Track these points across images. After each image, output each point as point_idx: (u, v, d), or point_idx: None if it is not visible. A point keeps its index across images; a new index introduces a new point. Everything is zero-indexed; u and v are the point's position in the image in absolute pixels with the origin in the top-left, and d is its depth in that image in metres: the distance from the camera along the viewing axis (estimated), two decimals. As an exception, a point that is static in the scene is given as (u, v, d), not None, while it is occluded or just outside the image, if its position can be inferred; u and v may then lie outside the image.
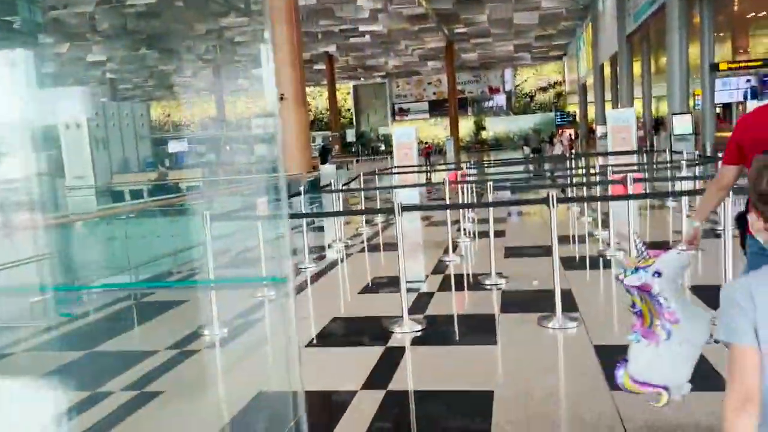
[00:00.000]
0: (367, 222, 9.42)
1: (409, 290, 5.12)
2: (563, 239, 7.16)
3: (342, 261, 6.96)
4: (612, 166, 7.28)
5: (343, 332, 4.37)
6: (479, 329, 4.07)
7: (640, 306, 1.81)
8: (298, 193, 6.54)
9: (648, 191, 8.44)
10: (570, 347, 3.63)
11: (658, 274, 1.61)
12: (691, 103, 22.95)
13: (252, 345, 4.22)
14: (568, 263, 5.72)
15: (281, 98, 14.51)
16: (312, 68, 47.10)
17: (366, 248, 7.73)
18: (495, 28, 36.54)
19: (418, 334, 4.03)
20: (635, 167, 8.85)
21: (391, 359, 3.58)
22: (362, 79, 55.50)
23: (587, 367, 3.24)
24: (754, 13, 25.82)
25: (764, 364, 1.14)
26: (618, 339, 3.67)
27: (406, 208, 4.28)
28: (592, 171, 7.71)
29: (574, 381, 3.17)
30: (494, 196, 5.60)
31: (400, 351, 3.72)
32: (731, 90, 23.85)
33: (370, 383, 3.24)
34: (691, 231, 2.41)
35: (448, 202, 6.92)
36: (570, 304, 4.31)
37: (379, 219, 10.26)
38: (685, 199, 6.83)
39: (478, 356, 3.55)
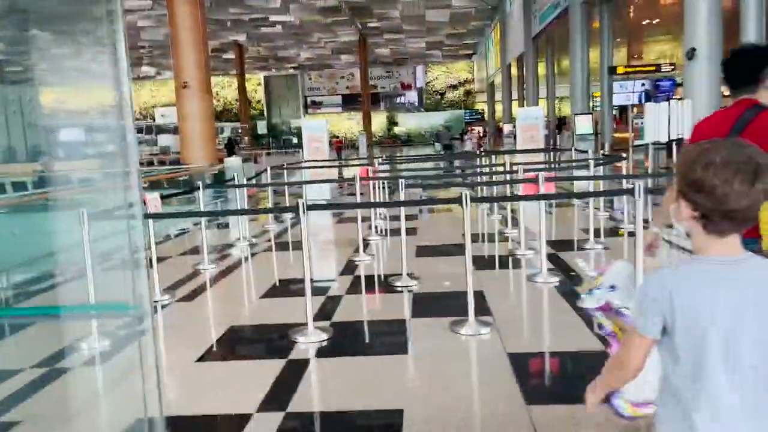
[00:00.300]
0: (275, 218, 8.99)
1: (316, 293, 4.80)
2: (474, 238, 7.07)
3: (245, 261, 6.52)
4: (522, 164, 7.28)
5: (240, 343, 3.98)
6: (389, 336, 3.83)
7: (610, 327, 1.72)
8: (197, 188, 6.03)
9: (558, 190, 8.57)
10: (484, 356, 3.45)
11: (613, 287, 1.49)
12: (590, 104, 24.02)
13: (108, 373, 3.72)
14: (480, 263, 5.60)
15: (184, 85, 13.71)
16: (221, 57, 45.49)
17: (273, 247, 7.32)
18: (407, 25, 36.74)
19: (324, 343, 3.72)
20: (545, 166, 8.97)
21: (293, 374, 3.25)
22: (274, 70, 54.29)
23: (502, 379, 3.06)
24: (648, 20, 27.36)
25: (673, 355, 1.22)
26: (531, 345, 3.53)
27: (311, 207, 3.95)
28: (502, 169, 7.70)
29: (488, 396, 2.97)
30: (406, 194, 5.36)
31: (303, 364, 3.39)
32: (627, 93, 25.14)
33: (267, 404, 2.90)
34: (649, 237, 2.34)
35: (358, 199, 6.64)
36: (483, 308, 4.15)
37: (288, 215, 9.86)
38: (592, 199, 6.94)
39: (388, 369, 3.29)
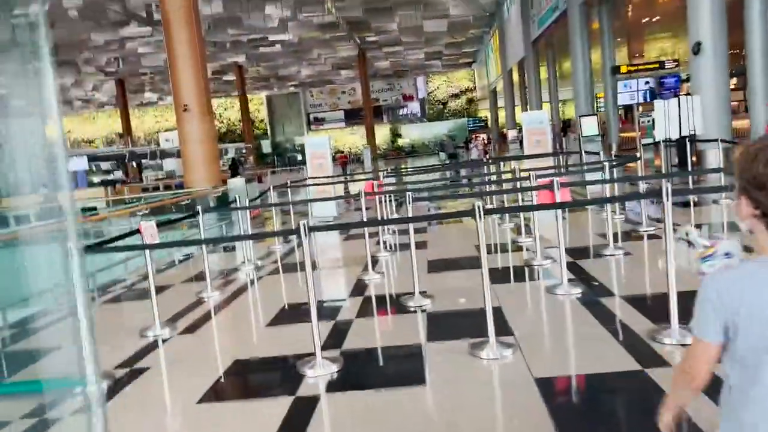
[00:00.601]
0: (282, 238, 8.74)
1: (325, 318, 4.55)
2: (486, 248, 6.81)
3: (251, 286, 6.27)
4: (532, 170, 7.02)
5: (245, 380, 3.72)
6: (405, 364, 3.55)
7: None
8: (196, 213, 5.79)
9: (574, 195, 8.25)
10: (508, 382, 3.17)
11: (728, 254, 1.30)
12: (594, 105, 23.76)
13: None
14: (495, 276, 5.32)
15: (184, 109, 13.53)
16: (222, 79, 45.62)
17: (280, 269, 7.07)
18: (405, 36, 36.68)
19: (335, 375, 3.45)
20: (557, 171, 8.66)
21: (302, 414, 2.98)
22: (275, 89, 54.41)
23: (531, 409, 2.78)
24: (648, 18, 27.14)
25: (731, 358, 1.18)
26: (559, 368, 3.25)
27: (314, 229, 3.70)
28: (512, 176, 7.44)
29: (517, 429, 2.69)
30: (414, 208, 5.09)
31: (312, 402, 3.12)
32: (632, 92, 24.85)
33: (275, 451, 2.64)
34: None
35: (364, 215, 6.39)
36: (502, 326, 3.87)
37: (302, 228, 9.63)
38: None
39: (405, 403, 3.01)
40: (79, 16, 25.81)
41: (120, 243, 4.65)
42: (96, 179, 33.24)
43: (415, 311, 4.56)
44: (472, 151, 26.80)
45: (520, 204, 8.17)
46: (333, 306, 5.01)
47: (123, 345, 4.43)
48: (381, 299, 5.14)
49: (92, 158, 33.73)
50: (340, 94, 54.83)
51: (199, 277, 6.59)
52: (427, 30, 34.33)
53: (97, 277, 6.99)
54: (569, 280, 4.72)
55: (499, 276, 5.40)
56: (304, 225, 3.52)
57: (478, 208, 3.48)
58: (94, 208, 12.45)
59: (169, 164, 32.80)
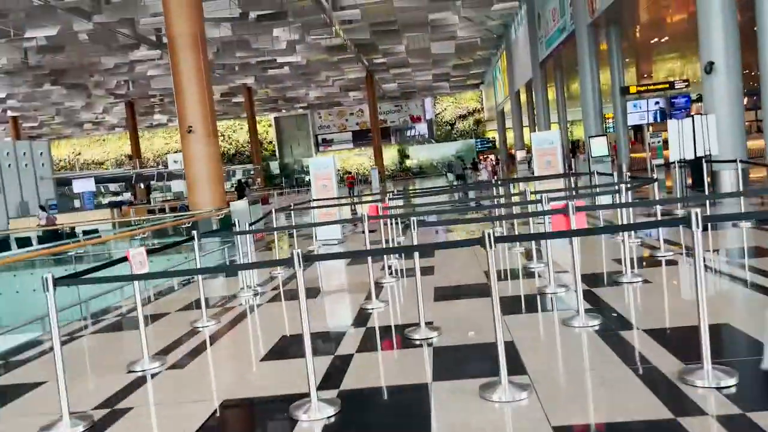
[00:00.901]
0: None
1: (323, 353, 4.25)
2: (496, 275, 6.50)
3: (249, 314, 5.97)
4: (544, 192, 6.72)
5: (232, 425, 3.42)
6: (409, 408, 3.23)
7: None
8: (192, 238, 5.53)
9: (589, 220, 7.94)
10: (523, 431, 2.85)
11: None
12: (603, 126, 23.55)
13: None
14: (505, 305, 5.00)
15: (189, 130, 13.40)
16: (231, 101, 45.86)
17: (281, 296, 6.78)
18: (413, 58, 36.73)
19: (331, 420, 3.14)
20: (571, 193, 8.34)
21: (293, 466, 2.67)
22: (284, 110, 54.67)
23: (549, 463, 2.46)
24: (656, 39, 27.01)
25: None
26: (579, 414, 2.92)
27: (308, 258, 3.42)
28: (523, 199, 7.15)
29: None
30: (420, 232, 4.80)
31: (305, 451, 2.82)
32: (641, 112, 24.62)
33: None
34: None
35: (367, 240, 6.10)
36: (515, 364, 3.55)
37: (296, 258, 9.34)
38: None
39: (407, 453, 2.70)
40: (89, 39, 25.98)
41: (103, 272, 4.37)
42: (105, 201, 33.28)
43: (421, 345, 4.25)
44: (482, 172, 26.57)
45: (532, 230, 7.86)
46: (333, 338, 4.70)
47: (108, 381, 4.14)
48: (385, 331, 4.83)
49: (100, 180, 33.76)
50: (348, 116, 54.99)
51: (197, 304, 6.29)
52: (435, 52, 34.36)
53: (90, 304, 6.73)
54: (586, 310, 4.40)
55: (510, 305, 5.08)
56: (297, 254, 3.24)
57: (488, 236, 3.19)
58: (96, 231, 12.26)
59: (177, 186, 32.81)
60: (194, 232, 5.48)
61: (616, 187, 6.37)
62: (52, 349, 3.41)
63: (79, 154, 59.31)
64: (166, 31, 14.21)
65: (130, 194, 36.73)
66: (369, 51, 33.97)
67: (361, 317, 5.25)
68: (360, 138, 53.66)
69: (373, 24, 27.97)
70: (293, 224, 9.22)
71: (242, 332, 5.38)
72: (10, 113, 41.88)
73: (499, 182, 10.57)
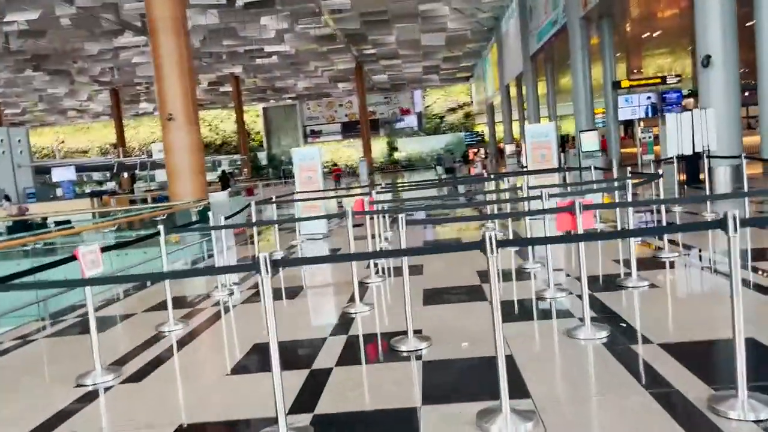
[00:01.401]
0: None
1: (298, 365, 3.78)
2: (487, 275, 6.05)
3: (221, 318, 5.48)
4: (541, 187, 6.29)
5: (189, 454, 2.95)
6: (393, 437, 2.78)
7: None
8: (157, 233, 5.03)
9: (600, 221, 7.48)
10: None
11: None
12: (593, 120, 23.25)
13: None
14: (502, 311, 4.55)
15: (169, 118, 12.82)
16: (218, 90, 45.05)
17: (262, 294, 6.28)
18: (403, 50, 36.19)
19: (302, 452, 2.68)
20: (574, 189, 7.85)
21: None
22: (272, 101, 53.92)
23: None
24: (648, 34, 26.72)
25: None
26: (596, 450, 2.48)
27: (279, 263, 2.95)
28: (520, 194, 6.70)
29: None
30: (409, 231, 4.32)
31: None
32: (633, 107, 24.33)
33: None
34: None
35: (351, 239, 5.61)
36: (516, 384, 3.11)
37: (279, 253, 8.84)
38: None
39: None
40: (72, 25, 25.18)
41: (49, 273, 3.87)
42: (88, 190, 32.47)
43: (409, 357, 3.80)
44: (477, 166, 26.24)
45: (531, 230, 7.40)
46: (310, 348, 4.23)
47: (51, 397, 3.65)
48: (368, 339, 4.37)
49: (81, 168, 32.94)
50: (337, 107, 54.39)
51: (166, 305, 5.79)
52: (425, 43, 33.85)
53: (49, 303, 6.21)
54: (591, 319, 3.96)
55: (506, 312, 4.63)
56: (264, 258, 2.76)
57: (490, 239, 2.73)
58: (68, 221, 11.67)
59: (161, 176, 32.06)
60: (160, 227, 4.97)
61: (621, 183, 5.92)
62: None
63: (63, 142, 58.22)
64: (147, 14, 13.62)
65: (114, 184, 35.94)
66: (358, 41, 33.40)
67: (343, 323, 4.79)
68: (349, 130, 53.09)
69: (363, 14, 27.42)
70: (274, 218, 8.72)
71: (211, 338, 4.89)
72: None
73: (492, 176, 10.13)
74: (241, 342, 4.57)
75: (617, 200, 7.44)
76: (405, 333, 4.08)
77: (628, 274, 5.26)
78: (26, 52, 29.62)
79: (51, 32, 26.17)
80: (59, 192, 25.39)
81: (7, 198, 17.97)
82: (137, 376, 3.91)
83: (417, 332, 4.14)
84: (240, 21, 26.70)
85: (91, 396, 3.64)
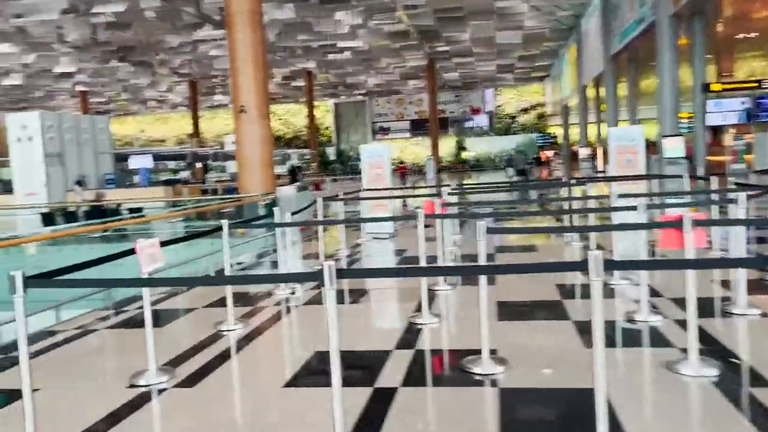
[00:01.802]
0: (328, 256, 7.72)
1: (360, 382, 3.45)
2: (567, 290, 5.56)
3: (282, 319, 5.24)
4: (632, 196, 5.71)
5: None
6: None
7: None
8: (220, 228, 4.84)
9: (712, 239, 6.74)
10: None
11: None
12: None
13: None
14: (585, 334, 4.09)
15: (241, 110, 12.84)
16: (290, 85, 45.65)
17: (323, 303, 6.03)
18: (477, 47, 35.45)
19: (363, 492, 2.34)
20: (684, 201, 7.11)
21: None
22: (343, 96, 54.22)
23: None
24: (743, 35, 24.98)
25: None
26: None
27: (343, 274, 2.62)
28: (608, 203, 6.09)
29: None
30: (478, 237, 3.90)
31: None
32: (724, 112, 22.80)
33: None
34: None
35: (422, 242, 5.22)
36: (612, 424, 2.66)
37: (344, 249, 8.58)
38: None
39: None
40: (156, 17, 25.98)
41: (102, 267, 3.70)
42: (163, 178, 33.57)
43: (483, 382, 3.40)
44: (559, 168, 25.31)
45: (619, 244, 6.81)
46: (373, 362, 3.89)
47: (104, 395, 3.48)
48: (437, 357, 4.00)
49: (158, 157, 34.06)
50: (406, 105, 54.12)
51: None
52: (500, 41, 32.99)
53: (115, 291, 6.16)
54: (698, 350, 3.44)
55: (589, 335, 4.16)
56: (329, 268, 2.44)
57: (596, 259, 2.30)
58: (140, 209, 11.87)
59: (232, 167, 32.75)
60: (224, 223, 4.77)
61: (733, 196, 5.27)
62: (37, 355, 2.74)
63: (143, 131, 60.61)
64: (225, 7, 13.71)
65: (188, 173, 36.98)
66: (432, 38, 32.92)
67: (410, 335, 4.43)
68: (417, 127, 52.71)
69: (438, 10, 26.93)
70: (340, 216, 8.45)
71: (270, 342, 4.64)
72: (80, 87, 42.89)
73: (574, 181, 9.48)
74: (299, 349, 4.30)
75: (714, 214, 6.73)
76: (479, 353, 3.68)
77: (731, 299, 4.65)
78: (112, 43, 30.83)
79: (136, 24, 27.09)
80: (136, 179, 26.28)
81: (80, 183, 18.66)
82: (190, 380, 3.69)
83: (492, 353, 3.73)
84: (316, 16, 26.79)
85: (143, 398, 3.45)
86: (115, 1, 23.40)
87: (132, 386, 3.63)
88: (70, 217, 12.32)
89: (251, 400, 3.43)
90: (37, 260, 9.04)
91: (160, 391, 3.55)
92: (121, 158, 28.53)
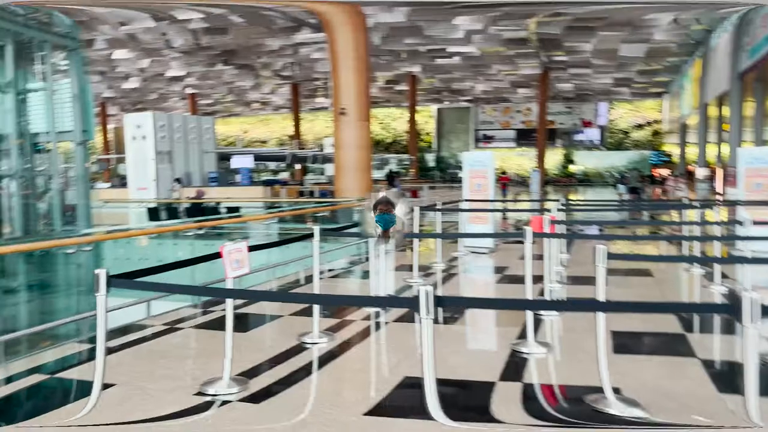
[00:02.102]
0: (422, 270, 7.27)
1: (459, 419, 2.98)
2: (688, 322, 4.80)
3: (371, 333, 4.87)
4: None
5: None
6: None
7: None
8: (311, 235, 4.56)
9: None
10: None
11: None
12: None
13: None
14: (720, 379, 3.41)
15: (342, 112, 12.75)
16: (393, 89, 45.70)
17: (418, 328, 5.60)
18: (597, 59, 33.73)
19: None
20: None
21: None
22: (446, 102, 53.68)
23: None
24: None
25: None
26: None
27: (443, 302, 2.19)
28: (732, 230, 5.29)
29: None
30: (579, 251, 3.34)
31: None
32: None
33: None
34: None
35: (529, 260, 4.65)
36: None
37: (439, 263, 8.10)
38: None
39: None
40: (245, 21, 26.29)
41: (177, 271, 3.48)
42: (263, 178, 34.59)
43: (619, 421, 2.84)
44: (681, 189, 23.43)
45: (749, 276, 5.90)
46: (476, 393, 3.40)
47: (171, 398, 3.26)
48: (549, 393, 3.46)
49: (259, 157, 35.09)
50: (513, 113, 52.77)
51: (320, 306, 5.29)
52: (622, 54, 31.19)
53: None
54: None
55: (718, 377, 3.47)
56: (425, 293, 2.01)
57: (751, 303, 1.73)
58: (237, 209, 12.01)
59: (330, 170, 33.21)
60: (315, 228, 4.49)
61: None
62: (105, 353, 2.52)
63: (246, 131, 62.87)
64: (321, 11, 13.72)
65: (287, 174, 37.87)
66: (551, 47, 31.58)
67: (513, 366, 3.90)
68: (523, 137, 51.20)
69: (567, 19, 25.63)
70: (437, 228, 8.01)
71: (355, 361, 4.26)
72: (189, 90, 45.22)
73: (700, 204, 8.50)
74: (387, 372, 3.89)
75: None
76: (598, 390, 3.12)
77: None
78: (215, 47, 31.95)
79: (234, 29, 27.71)
80: (237, 178, 27.19)
81: (178, 180, 19.42)
82: (259, 396, 3.37)
83: (616, 391, 3.15)
84: (430, 20, 26.29)
85: (202, 408, 3.19)
86: (197, 6, 23.74)
87: (200, 393, 3.38)
88: (173, 212, 12.70)
89: (321, 427, 3.05)
90: (144, 252, 9.29)
91: (223, 403, 3.27)
92: (224, 157, 29.60)
